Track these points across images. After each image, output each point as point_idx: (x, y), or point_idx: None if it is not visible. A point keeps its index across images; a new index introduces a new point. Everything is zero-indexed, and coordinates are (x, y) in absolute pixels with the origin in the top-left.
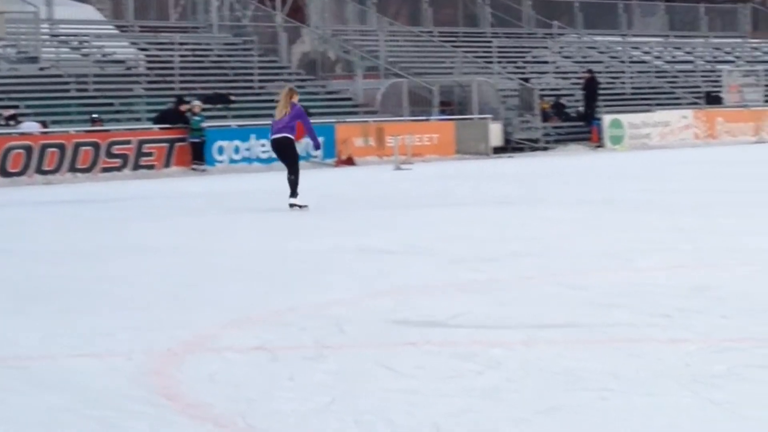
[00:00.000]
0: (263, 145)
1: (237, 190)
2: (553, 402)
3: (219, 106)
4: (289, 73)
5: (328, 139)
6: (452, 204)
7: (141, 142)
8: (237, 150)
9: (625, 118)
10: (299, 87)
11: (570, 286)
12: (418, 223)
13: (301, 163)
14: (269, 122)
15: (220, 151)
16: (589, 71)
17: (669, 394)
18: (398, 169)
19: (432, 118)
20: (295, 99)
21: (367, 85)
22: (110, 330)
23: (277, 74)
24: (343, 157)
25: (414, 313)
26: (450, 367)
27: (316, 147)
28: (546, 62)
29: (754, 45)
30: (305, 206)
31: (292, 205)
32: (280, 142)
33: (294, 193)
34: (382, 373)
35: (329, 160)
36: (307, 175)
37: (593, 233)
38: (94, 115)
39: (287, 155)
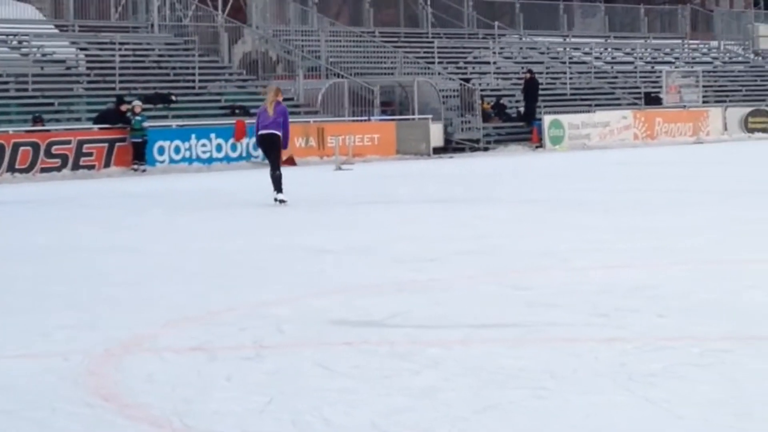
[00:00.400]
0: (204, 145)
1: (177, 189)
2: (489, 401)
3: (160, 105)
4: (230, 73)
5: None
6: (393, 204)
7: (81, 142)
8: (177, 150)
9: (565, 119)
10: (240, 87)
11: (508, 286)
12: (358, 223)
13: (242, 163)
14: (210, 122)
15: (161, 151)
16: (529, 72)
17: (605, 393)
18: (339, 169)
19: (373, 118)
20: (280, 98)
21: (308, 85)
22: (47, 330)
23: (218, 74)
24: (284, 157)
25: (353, 313)
26: (388, 367)
27: (284, 147)
28: (487, 63)
29: (693, 46)
30: (286, 201)
31: (278, 200)
32: (268, 138)
33: (280, 189)
34: (320, 372)
35: None
36: (247, 176)
37: (532, 233)
38: (36, 114)
39: (274, 150)
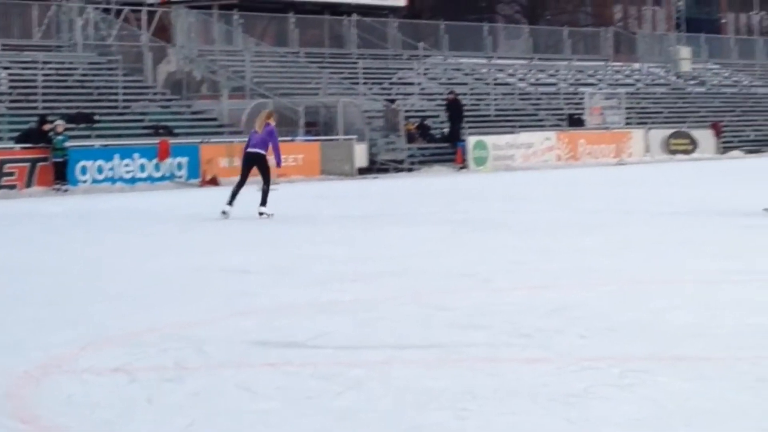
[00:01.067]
0: (127, 165)
1: (100, 210)
2: (411, 422)
3: (82, 125)
4: (155, 93)
5: (193, 159)
6: (316, 224)
7: (2, 162)
8: (100, 170)
9: (490, 140)
10: (164, 107)
11: (431, 306)
12: (281, 243)
13: (165, 183)
14: (133, 142)
15: (84, 171)
16: (453, 93)
17: (526, 413)
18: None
19: (297, 138)
20: (271, 121)
21: (232, 105)
22: None
23: (141, 94)
24: (208, 177)
25: (275, 334)
26: (309, 388)
27: (278, 164)
28: (411, 84)
29: (616, 68)
30: (272, 215)
31: (261, 214)
32: (254, 156)
33: (264, 203)
34: (241, 394)
35: (193, 181)
36: (171, 196)
37: (455, 253)
38: None
39: (260, 168)
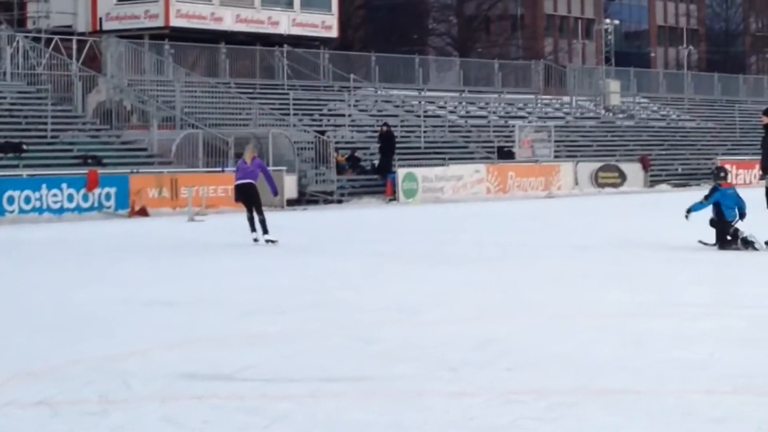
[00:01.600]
0: (55, 195)
1: (26, 240)
2: None
3: (10, 155)
4: (84, 123)
5: (122, 189)
6: (244, 256)
7: None
8: (28, 200)
9: (419, 172)
10: (94, 137)
11: (358, 339)
12: (209, 274)
13: (93, 213)
14: (61, 172)
15: (11, 200)
16: (386, 125)
17: None
18: (192, 220)
19: (227, 169)
20: (255, 154)
21: (162, 135)
22: None
23: (71, 123)
24: (137, 207)
25: (201, 367)
26: (236, 421)
27: (275, 193)
28: (342, 115)
29: (546, 101)
30: (277, 240)
31: (268, 241)
32: (247, 187)
33: (266, 230)
34: (167, 427)
35: (122, 211)
36: (99, 226)
37: (383, 286)
38: None
39: (252, 197)
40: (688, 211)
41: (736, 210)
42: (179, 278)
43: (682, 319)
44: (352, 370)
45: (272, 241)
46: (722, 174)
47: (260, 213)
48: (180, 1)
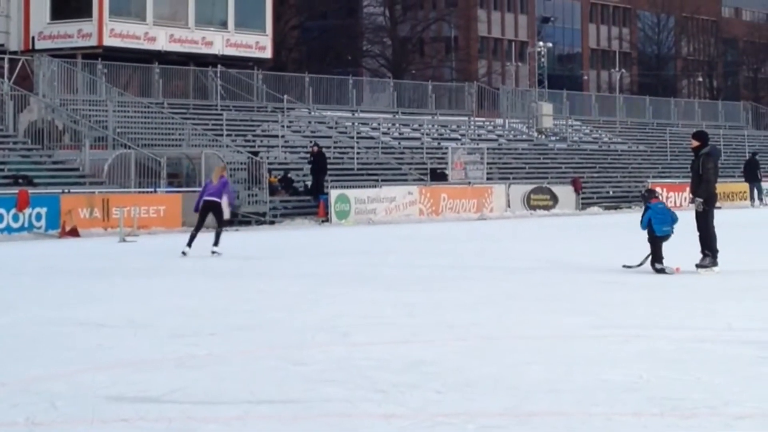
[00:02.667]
0: None
1: None
2: None
3: None
4: (15, 142)
5: (53, 209)
6: (174, 276)
7: None
8: None
9: (352, 193)
10: (25, 156)
11: (287, 361)
12: (139, 296)
13: (23, 233)
14: None
15: None
16: (317, 145)
17: None
18: (123, 241)
19: (159, 190)
20: (225, 174)
21: (94, 155)
22: None
23: (2, 143)
24: (68, 228)
25: (130, 389)
26: None
27: (231, 205)
28: (275, 136)
29: (479, 123)
30: (221, 253)
31: (213, 252)
32: (211, 204)
33: (217, 243)
34: None
35: (53, 231)
36: (29, 247)
37: (313, 307)
38: None
39: (216, 213)
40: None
41: (671, 226)
42: (109, 299)
43: (611, 341)
44: (281, 392)
45: (217, 253)
46: (650, 195)
47: (220, 226)
48: (113, 21)
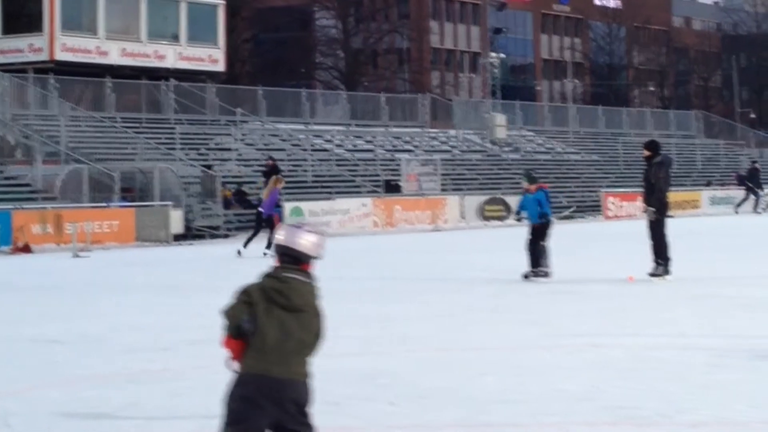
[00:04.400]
0: None
1: None
2: None
3: None
4: None
5: (4, 225)
6: (128, 292)
7: None
8: None
9: (306, 206)
10: None
11: None
12: (92, 312)
13: None
14: None
15: None
16: (270, 158)
17: None
18: (76, 256)
19: (112, 204)
20: (279, 185)
21: (46, 171)
22: None
23: None
24: (20, 244)
25: (83, 405)
26: None
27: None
28: (229, 149)
29: (433, 135)
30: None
31: (265, 254)
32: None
33: (269, 246)
34: None
35: (5, 248)
36: None
37: None
38: None
39: (269, 224)
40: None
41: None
42: (62, 316)
43: (565, 351)
44: None
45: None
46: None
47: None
48: (65, 35)
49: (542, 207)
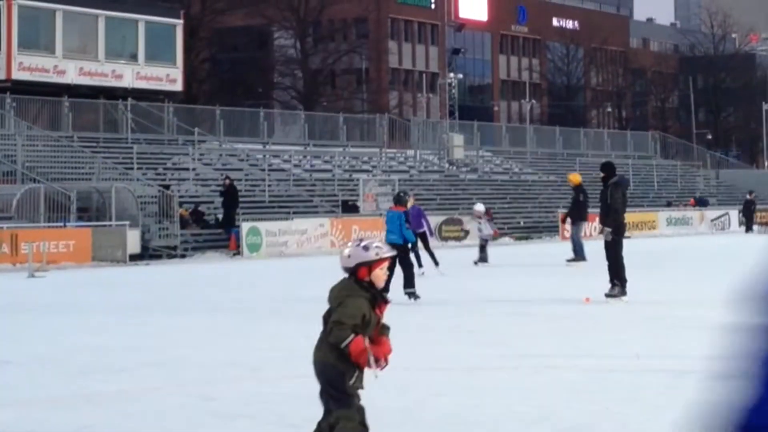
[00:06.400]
0: None
1: None
2: None
3: None
4: None
5: None
6: (82, 313)
7: None
8: None
9: (263, 226)
10: None
11: (196, 396)
12: (47, 332)
13: None
14: None
15: None
16: (228, 178)
17: None
18: (32, 276)
19: (69, 224)
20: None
21: (2, 190)
22: None
23: None
24: None
25: (37, 427)
26: None
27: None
28: (186, 169)
29: (391, 155)
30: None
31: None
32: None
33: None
34: None
35: None
36: None
37: (223, 342)
38: None
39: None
40: None
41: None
42: (16, 336)
43: (521, 372)
44: (190, 428)
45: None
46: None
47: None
48: (22, 54)
49: (402, 227)
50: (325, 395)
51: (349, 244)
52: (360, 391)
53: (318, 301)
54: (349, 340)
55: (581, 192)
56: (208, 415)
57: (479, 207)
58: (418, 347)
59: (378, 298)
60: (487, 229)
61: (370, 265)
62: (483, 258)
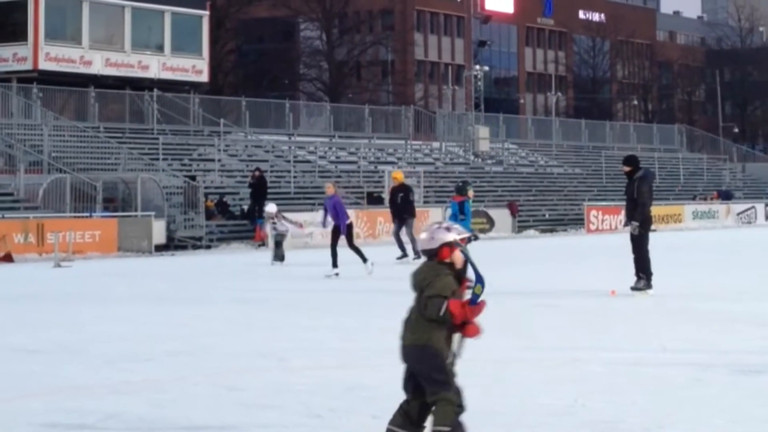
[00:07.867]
0: None
1: None
2: None
3: None
4: None
5: None
6: (109, 302)
7: None
8: None
9: (288, 217)
10: None
11: (223, 386)
12: (73, 322)
13: None
14: None
15: None
16: (258, 170)
17: None
18: (58, 266)
19: (95, 214)
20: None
21: (29, 180)
22: None
23: None
24: (2, 253)
25: (64, 416)
26: None
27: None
28: (212, 160)
29: (416, 147)
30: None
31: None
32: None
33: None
34: None
35: None
36: None
37: (249, 333)
38: None
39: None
40: None
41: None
42: (42, 325)
43: (546, 365)
44: (217, 417)
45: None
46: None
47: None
48: (49, 45)
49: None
50: (421, 379)
51: (425, 229)
52: (378, 387)
53: (342, 293)
54: (446, 305)
55: (408, 191)
56: (235, 404)
57: (270, 208)
58: None
59: (461, 276)
60: (283, 226)
61: (452, 246)
62: (278, 255)
